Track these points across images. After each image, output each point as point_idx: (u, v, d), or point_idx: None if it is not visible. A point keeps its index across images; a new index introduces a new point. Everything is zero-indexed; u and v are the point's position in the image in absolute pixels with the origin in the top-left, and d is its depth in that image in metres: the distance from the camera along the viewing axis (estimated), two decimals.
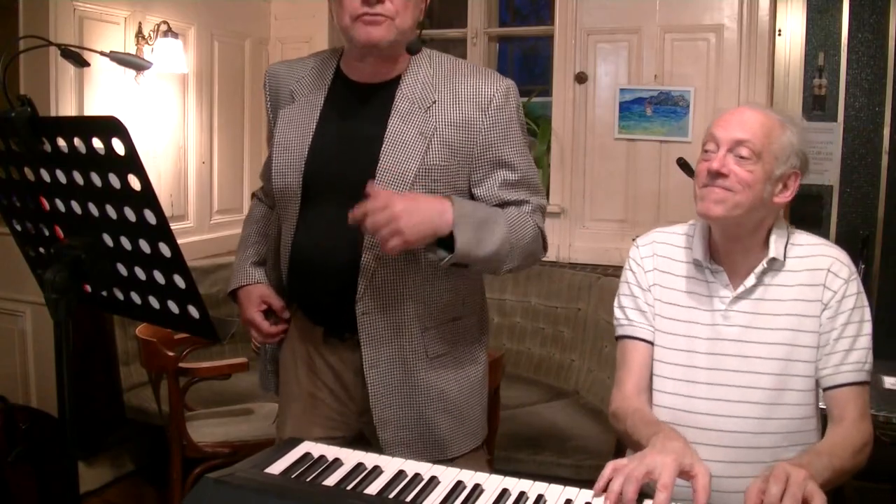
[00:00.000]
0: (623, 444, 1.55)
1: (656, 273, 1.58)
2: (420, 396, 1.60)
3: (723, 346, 1.49)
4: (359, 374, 1.62)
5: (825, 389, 1.47)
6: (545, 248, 1.66)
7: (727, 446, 1.46)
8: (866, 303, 1.48)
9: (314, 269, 1.56)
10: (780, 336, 1.46)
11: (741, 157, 1.42)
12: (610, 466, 1.19)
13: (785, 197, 1.46)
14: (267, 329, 1.65)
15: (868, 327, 1.47)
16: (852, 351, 1.45)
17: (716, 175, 1.43)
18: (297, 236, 1.57)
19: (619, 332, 1.60)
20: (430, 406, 1.61)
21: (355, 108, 1.57)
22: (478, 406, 1.69)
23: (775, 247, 1.47)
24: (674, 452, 1.20)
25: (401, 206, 1.36)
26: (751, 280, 1.48)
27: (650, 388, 1.56)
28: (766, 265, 1.47)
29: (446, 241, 1.43)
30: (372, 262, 1.52)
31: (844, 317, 1.45)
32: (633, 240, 1.67)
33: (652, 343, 1.56)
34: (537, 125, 3.84)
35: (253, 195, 1.87)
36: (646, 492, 1.18)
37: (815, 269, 1.47)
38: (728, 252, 1.50)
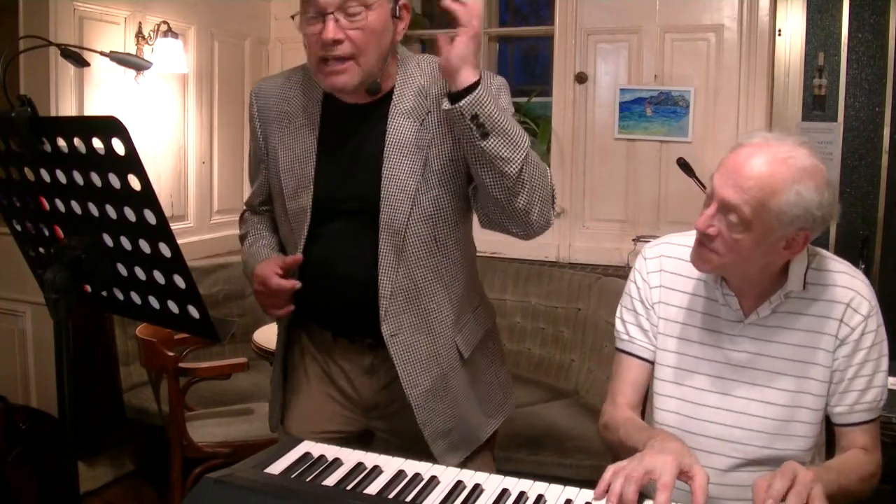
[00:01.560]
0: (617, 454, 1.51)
1: (662, 290, 1.51)
2: (460, 400, 1.63)
3: (730, 370, 1.43)
4: (366, 373, 1.63)
5: (837, 425, 1.42)
6: (554, 200, 1.54)
7: (723, 470, 1.43)
8: (885, 336, 1.41)
9: (329, 284, 1.57)
10: (789, 367, 1.40)
11: (731, 223, 1.29)
12: (610, 470, 1.18)
13: (789, 255, 1.33)
14: (276, 281, 1.52)
15: (886, 362, 1.41)
16: (869, 390, 1.39)
17: (703, 234, 1.34)
18: (309, 253, 1.58)
19: (618, 344, 1.58)
20: (468, 405, 1.64)
21: (352, 127, 1.57)
22: (502, 384, 1.76)
23: (794, 278, 1.38)
24: (672, 453, 1.19)
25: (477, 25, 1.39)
26: (765, 310, 1.40)
27: (642, 406, 1.54)
28: (782, 298, 1.39)
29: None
30: (389, 280, 1.53)
31: (862, 355, 1.38)
32: (634, 240, 1.66)
33: (649, 361, 1.53)
34: (537, 125, 3.84)
35: (245, 212, 1.83)
36: (646, 493, 1.18)
37: (834, 302, 1.39)
38: (738, 282, 1.42)
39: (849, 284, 1.40)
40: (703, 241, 1.35)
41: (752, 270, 1.37)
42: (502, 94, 1.55)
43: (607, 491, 1.16)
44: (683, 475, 1.17)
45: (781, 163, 1.26)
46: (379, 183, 1.51)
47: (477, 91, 1.36)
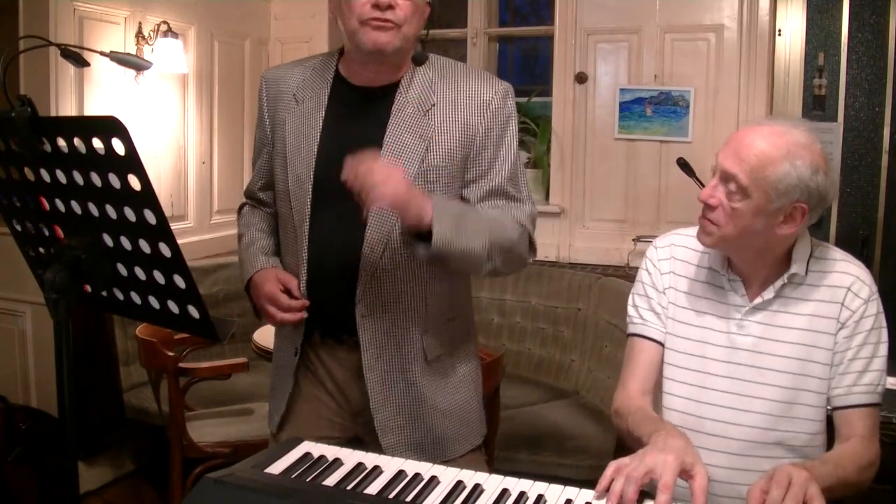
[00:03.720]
0: (624, 444, 1.54)
1: (672, 276, 1.56)
2: (419, 398, 1.60)
3: (736, 354, 1.47)
4: (355, 376, 1.62)
5: (835, 408, 1.45)
6: (533, 250, 1.63)
7: (731, 453, 1.45)
8: (884, 323, 1.45)
9: (324, 271, 1.57)
10: (794, 350, 1.44)
11: (730, 191, 1.38)
12: (612, 466, 1.19)
13: (788, 229, 1.38)
14: (286, 301, 1.58)
15: (884, 349, 1.45)
16: (867, 372, 1.43)
17: (705, 205, 1.42)
18: (312, 238, 1.58)
19: (631, 329, 1.60)
20: (428, 408, 1.61)
21: (357, 111, 1.59)
22: (475, 405, 1.70)
23: (797, 262, 1.44)
24: (675, 451, 1.20)
25: (398, 174, 1.39)
26: (769, 293, 1.45)
27: (654, 391, 1.55)
28: (786, 280, 1.44)
29: (426, 239, 1.43)
30: (370, 264, 1.53)
31: (861, 337, 1.43)
32: (634, 240, 1.67)
33: (662, 344, 1.55)
34: (537, 125, 3.84)
35: (244, 204, 1.82)
36: (647, 491, 1.18)
37: (836, 287, 1.44)
38: (743, 266, 1.47)
39: (849, 270, 1.46)
40: (705, 213, 1.42)
41: (753, 248, 1.42)
42: (509, 100, 1.58)
43: (608, 489, 1.16)
44: (685, 474, 1.18)
45: (778, 136, 1.36)
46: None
47: (433, 243, 1.39)
